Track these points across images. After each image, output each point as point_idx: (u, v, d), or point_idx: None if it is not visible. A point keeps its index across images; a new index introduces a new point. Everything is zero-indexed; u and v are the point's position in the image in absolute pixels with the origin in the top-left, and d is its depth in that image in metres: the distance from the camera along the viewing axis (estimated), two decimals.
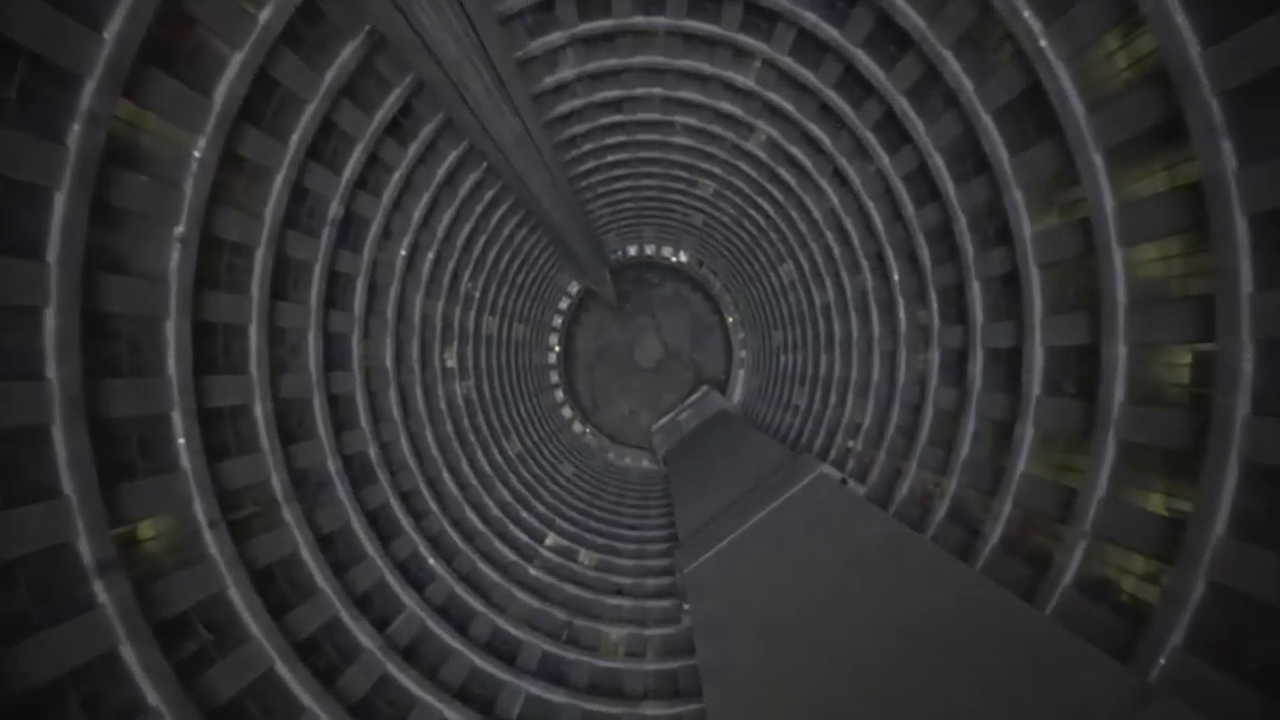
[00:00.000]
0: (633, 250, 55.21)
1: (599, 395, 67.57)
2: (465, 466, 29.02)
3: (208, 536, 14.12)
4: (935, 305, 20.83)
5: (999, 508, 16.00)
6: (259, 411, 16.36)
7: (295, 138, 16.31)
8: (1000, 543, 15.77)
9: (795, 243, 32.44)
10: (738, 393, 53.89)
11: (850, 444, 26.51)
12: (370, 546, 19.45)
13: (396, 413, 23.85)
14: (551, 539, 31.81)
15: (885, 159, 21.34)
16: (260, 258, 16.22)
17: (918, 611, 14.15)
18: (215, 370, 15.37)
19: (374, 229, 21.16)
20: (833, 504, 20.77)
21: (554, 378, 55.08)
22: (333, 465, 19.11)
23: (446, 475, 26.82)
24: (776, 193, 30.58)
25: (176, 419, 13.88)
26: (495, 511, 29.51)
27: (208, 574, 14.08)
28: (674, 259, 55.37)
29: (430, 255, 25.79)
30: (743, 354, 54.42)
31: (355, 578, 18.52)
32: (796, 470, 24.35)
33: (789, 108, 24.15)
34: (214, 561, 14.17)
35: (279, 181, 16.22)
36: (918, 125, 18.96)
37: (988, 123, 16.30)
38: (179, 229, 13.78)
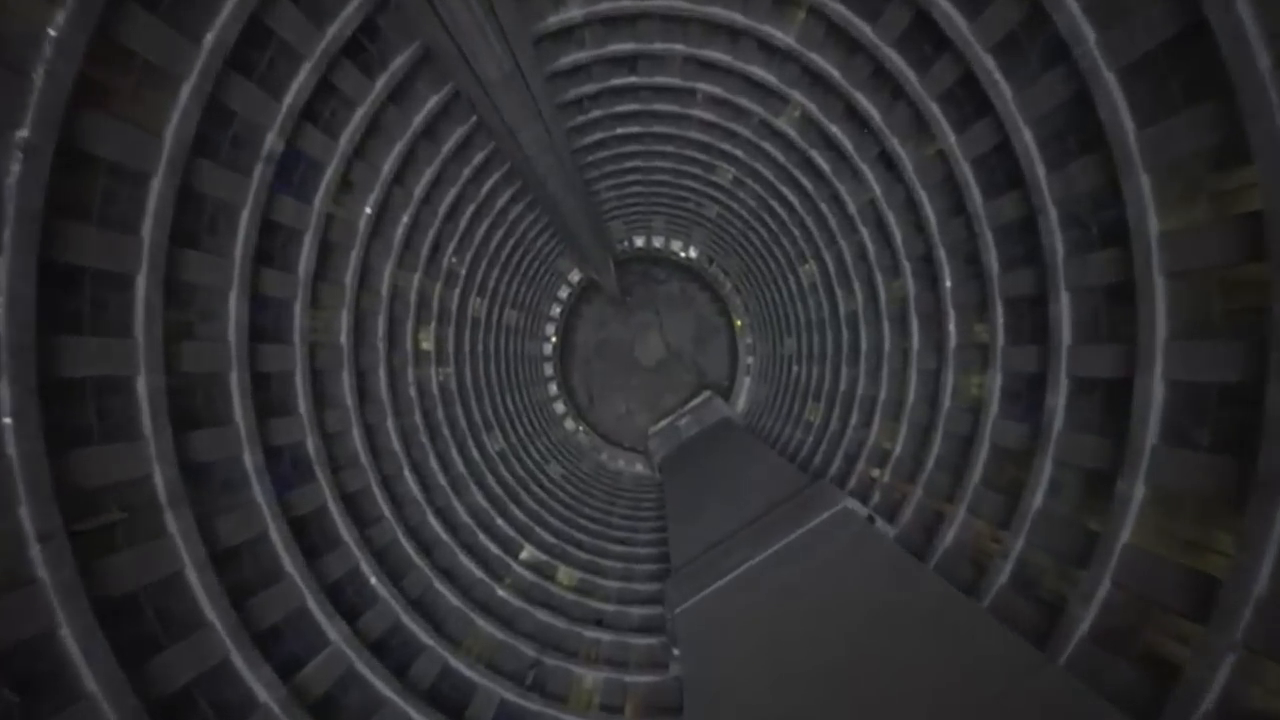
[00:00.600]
0: (640, 241, 51.33)
1: (595, 392, 63.76)
2: (433, 463, 25.16)
3: (35, 555, 10.29)
4: (1000, 319, 16.96)
5: (1091, 586, 12.07)
6: (142, 387, 12.48)
7: (210, 37, 12.45)
8: (1093, 634, 11.84)
9: (822, 240, 28.55)
10: (742, 401, 50.10)
11: (875, 473, 22.65)
12: (290, 562, 15.53)
13: (350, 398, 19.99)
14: (528, 552, 27.97)
15: (951, 138, 17.44)
16: (157, 188, 12.34)
17: (974, 703, 10.42)
18: (78, 330, 11.52)
19: (329, 176, 17.26)
20: (860, 548, 16.90)
21: (548, 370, 51.40)
22: (250, 459, 15.22)
23: (409, 474, 22.96)
24: (806, 181, 26.67)
25: (2, 391, 10.07)
26: (464, 517, 25.66)
27: (31, 606, 10.28)
28: (683, 254, 51.54)
29: (405, 219, 21.91)
30: (749, 360, 50.67)
31: (263, 605, 14.55)
32: (813, 500, 20.49)
33: (834, 73, 20.23)
34: (41, 588, 10.35)
35: (186, 92, 12.35)
36: (1005, 92, 15.06)
37: (1110, 83, 12.42)
38: (22, 133, 9.94)
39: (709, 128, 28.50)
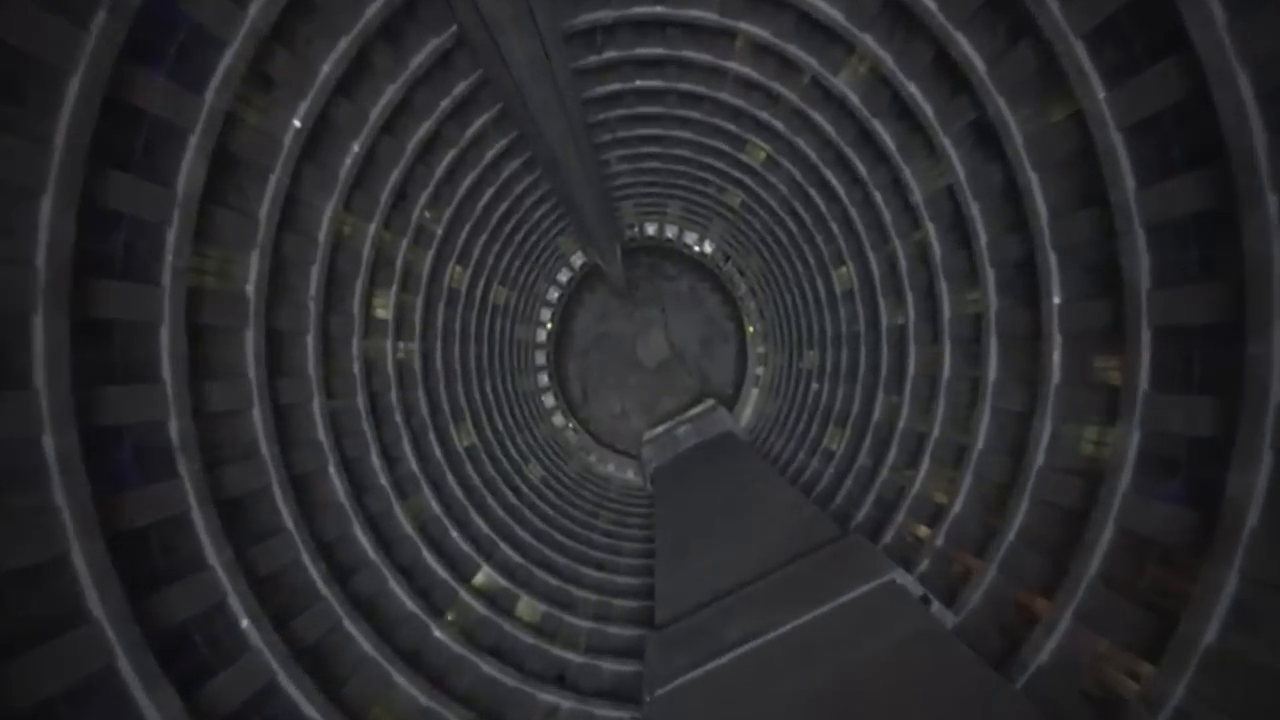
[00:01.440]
0: (651, 229, 46.24)
1: (590, 387, 58.70)
2: (375, 459, 20.12)
3: None
4: (1147, 355, 11.96)
5: None
6: None
7: None
8: None
9: (869, 238, 23.44)
10: (747, 413, 45.10)
11: (922, 532, 17.62)
12: (99, 600, 10.56)
13: (253, 368, 14.99)
14: (485, 575, 22.93)
15: (1100, 93, 12.45)
16: None
17: None
18: None
19: (228, 60, 12.32)
20: (921, 648, 11.92)
21: (540, 358, 46.39)
22: (52, 447, 10.24)
23: (335, 472, 17.90)
24: (859, 162, 21.54)
25: None
26: (407, 528, 20.62)
27: None
28: (697, 249, 46.35)
29: (355, 147, 16.89)
30: (759, 371, 45.62)
31: (65, 655, 9.65)
32: (847, 560, 15.42)
33: (929, 5, 15.23)
34: None
35: None
36: (1213, 12, 10.04)
37: None
38: None
39: (746, 89, 23.41)
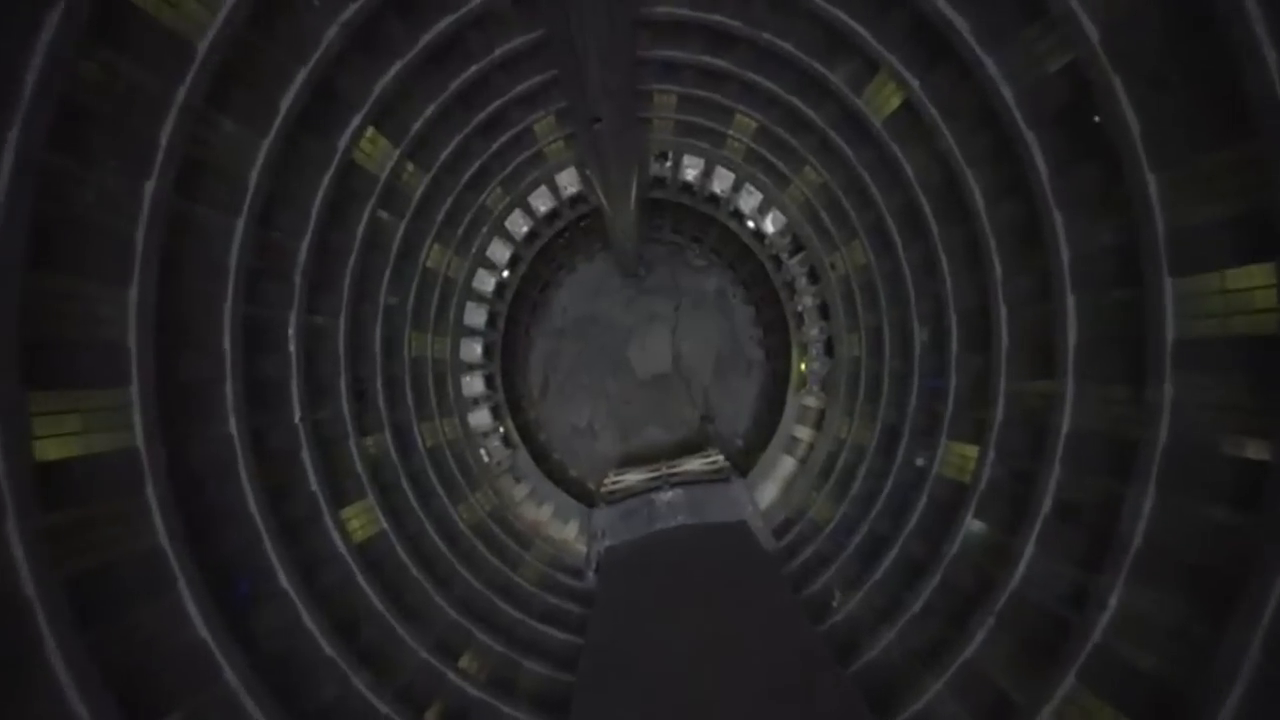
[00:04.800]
0: (691, 174, 28.85)
1: (555, 380, 41.80)
2: None
3: None
4: None
5: None
6: None
7: None
8: None
9: None
10: (769, 493, 28.21)
11: None
12: None
13: None
14: None
15: None
16: None
17: None
18: None
19: None
20: None
21: (476, 316, 28.78)
22: None
23: None
24: None
25: None
26: None
27: None
28: (753, 223, 28.96)
29: None
30: (802, 434, 28.53)
31: None
32: None
33: None
34: None
35: None
36: None
37: None
38: None
39: None
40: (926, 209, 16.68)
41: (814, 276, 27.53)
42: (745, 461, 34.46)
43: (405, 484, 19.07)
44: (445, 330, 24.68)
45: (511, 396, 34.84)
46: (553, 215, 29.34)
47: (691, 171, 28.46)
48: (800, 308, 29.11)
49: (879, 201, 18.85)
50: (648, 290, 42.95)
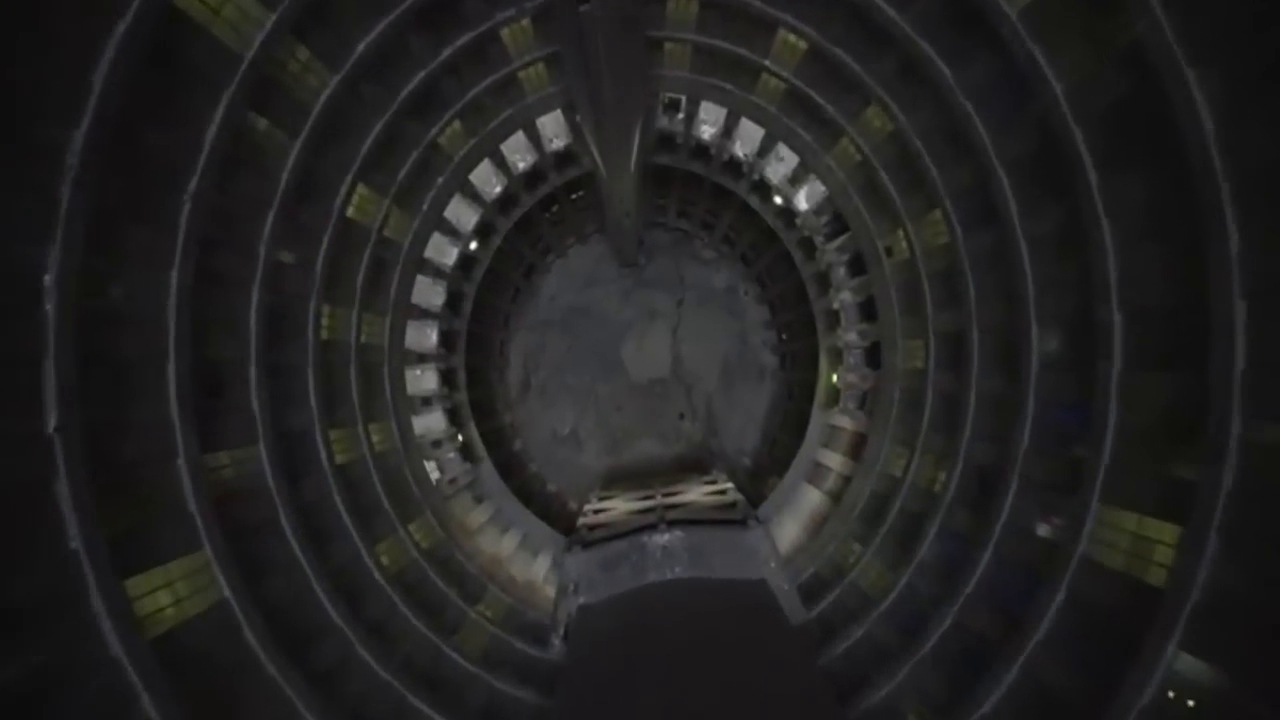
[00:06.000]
0: (709, 129, 22.53)
1: (537, 380, 35.68)
2: None
3: None
4: None
5: None
6: None
7: None
8: None
9: None
10: (788, 533, 21.98)
11: None
12: None
13: None
14: None
15: None
16: None
17: None
18: None
19: None
20: None
21: (438, 294, 22.35)
22: None
23: None
24: None
25: None
26: None
27: None
28: (780, 197, 22.47)
29: None
30: (829, 460, 22.22)
31: None
32: None
33: None
34: None
35: None
36: None
37: None
38: None
39: None
40: (1080, 143, 10.64)
41: (857, 266, 21.49)
42: (753, 487, 28.46)
43: (285, 521, 12.85)
44: (381, 308, 18.51)
45: (478, 397, 28.67)
46: (535, 177, 23.23)
47: (708, 129, 22.39)
48: (835, 305, 23.05)
49: (986, 146, 12.82)
50: (647, 282, 36.90)
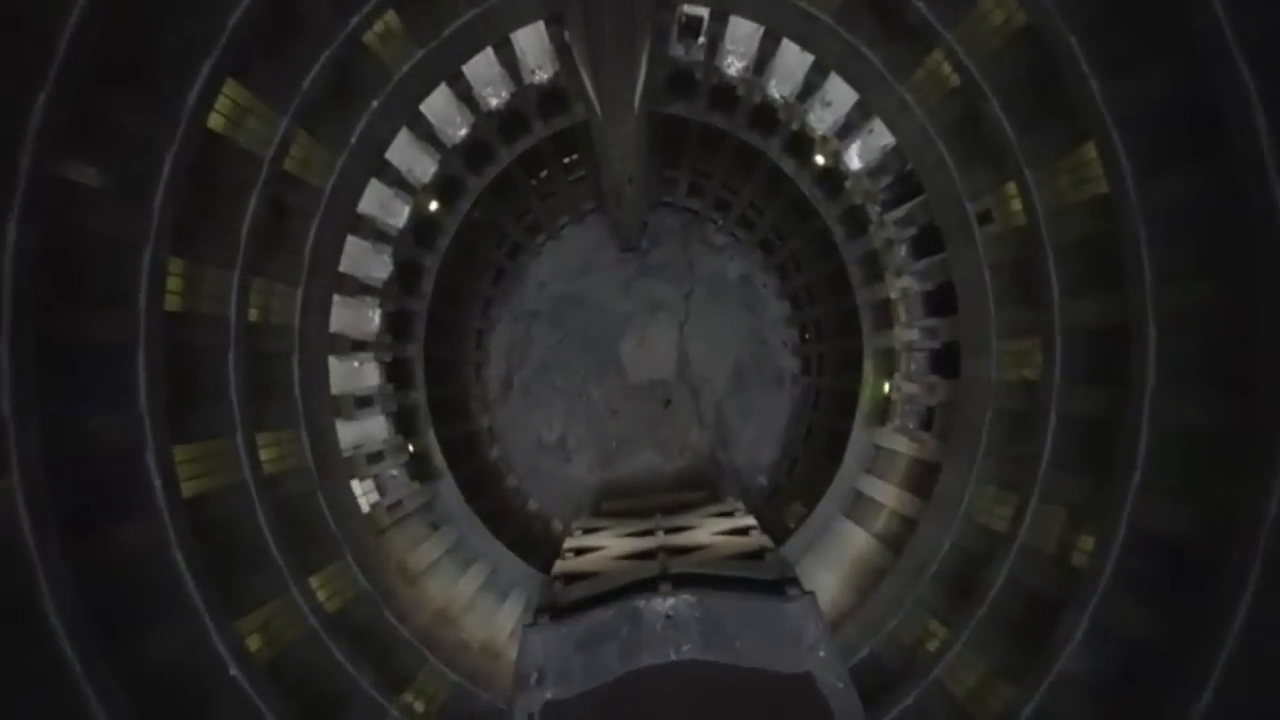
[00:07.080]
0: (739, 63, 16.83)
1: (520, 377, 30.33)
2: None
3: None
4: None
5: None
6: None
7: None
8: None
9: None
10: (823, 586, 16.37)
11: None
12: None
13: None
14: None
15: None
16: None
17: None
18: None
19: None
20: None
21: (382, 264, 16.48)
22: None
23: None
24: None
25: None
26: None
27: None
28: (823, 157, 16.84)
29: None
30: (877, 491, 16.74)
31: None
32: None
33: None
34: None
35: None
36: None
37: None
38: None
39: None
40: None
41: (927, 242, 16.20)
42: (769, 513, 23.15)
43: (50, 610, 7.55)
44: (289, 276, 13.18)
45: (444, 396, 23.39)
46: (514, 121, 17.91)
47: (736, 61, 17.11)
48: (891, 294, 17.75)
49: (1196, 30, 7.58)
50: (651, 269, 31.82)
